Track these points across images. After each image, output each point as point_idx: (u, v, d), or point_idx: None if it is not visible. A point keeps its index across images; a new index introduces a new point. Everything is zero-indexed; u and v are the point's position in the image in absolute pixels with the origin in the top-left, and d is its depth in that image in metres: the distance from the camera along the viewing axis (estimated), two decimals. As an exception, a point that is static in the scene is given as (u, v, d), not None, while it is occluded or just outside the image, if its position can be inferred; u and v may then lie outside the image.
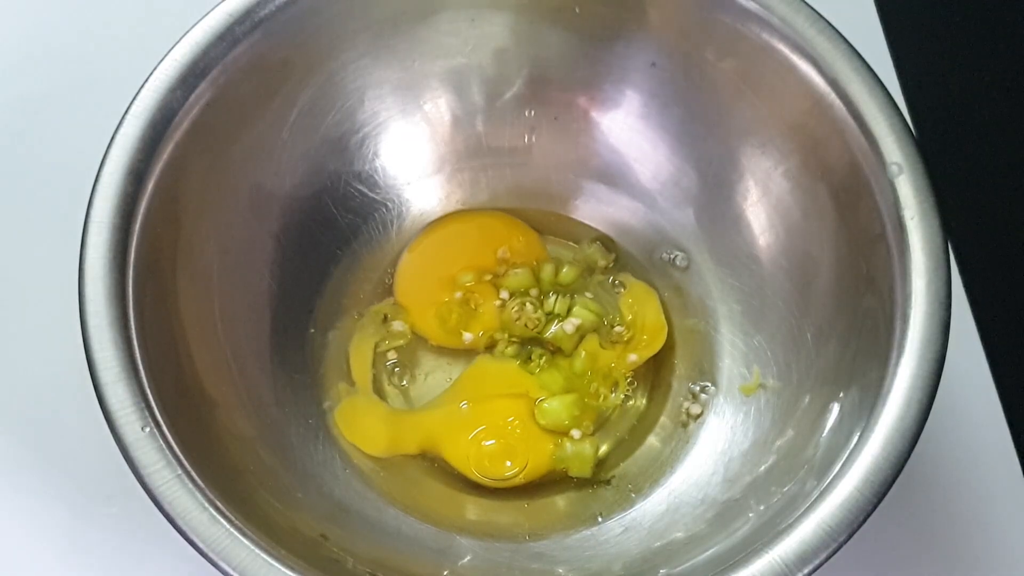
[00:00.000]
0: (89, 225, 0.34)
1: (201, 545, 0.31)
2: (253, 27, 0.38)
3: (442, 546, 0.39)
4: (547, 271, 0.46)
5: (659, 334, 0.45)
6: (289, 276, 0.43)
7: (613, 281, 0.46)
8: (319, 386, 0.43)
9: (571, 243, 0.47)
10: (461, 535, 0.40)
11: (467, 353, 0.45)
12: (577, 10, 0.41)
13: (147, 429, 0.32)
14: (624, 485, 0.42)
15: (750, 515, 0.35)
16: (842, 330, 0.38)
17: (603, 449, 0.43)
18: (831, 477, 0.32)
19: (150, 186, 0.35)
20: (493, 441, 0.42)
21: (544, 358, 0.44)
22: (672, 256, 0.46)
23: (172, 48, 0.37)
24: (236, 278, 0.41)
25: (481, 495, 0.42)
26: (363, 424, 0.43)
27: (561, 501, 0.42)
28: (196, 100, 0.37)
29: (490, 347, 0.45)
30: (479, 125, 0.46)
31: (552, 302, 0.45)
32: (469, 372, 0.44)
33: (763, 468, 0.38)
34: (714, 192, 0.44)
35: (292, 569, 0.31)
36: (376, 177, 0.45)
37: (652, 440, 0.43)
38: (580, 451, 0.42)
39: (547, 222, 0.47)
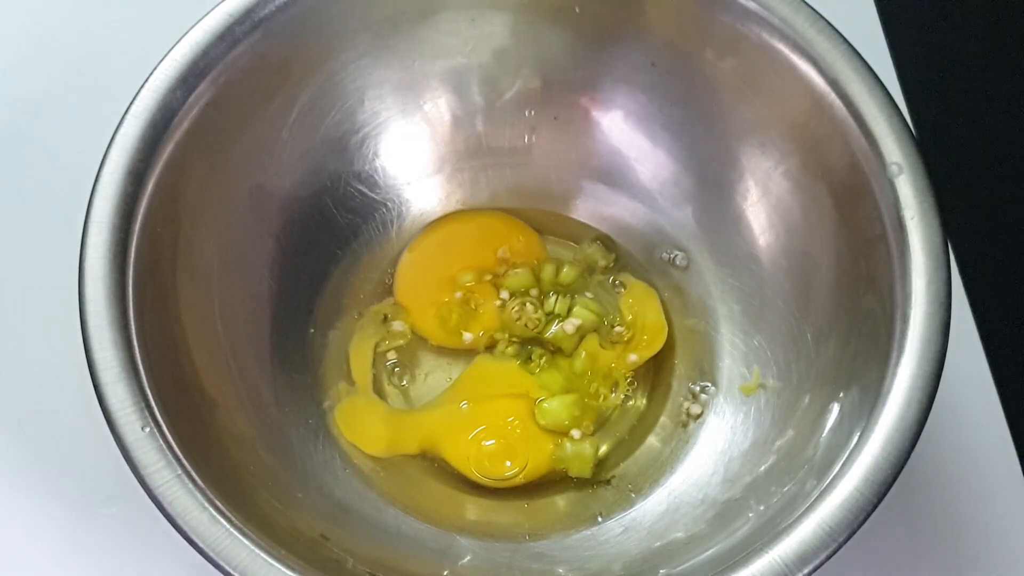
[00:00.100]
0: (89, 225, 0.34)
1: (201, 545, 0.31)
2: (253, 27, 0.38)
3: (442, 546, 0.39)
4: (547, 271, 0.46)
5: (659, 334, 0.45)
6: (289, 276, 0.43)
7: (613, 281, 0.46)
8: (319, 386, 0.43)
9: (571, 243, 0.47)
10: (461, 535, 0.40)
11: (467, 353, 0.45)
12: (577, 10, 0.41)
13: (147, 429, 0.32)
14: (624, 485, 0.42)
15: (750, 515, 0.35)
16: (842, 330, 0.38)
17: (603, 449, 0.43)
18: (831, 477, 0.32)
19: (150, 186, 0.35)
20: (493, 441, 0.42)
21: (544, 358, 0.44)
22: (672, 256, 0.46)
23: (172, 48, 0.37)
24: (236, 278, 0.41)
25: (481, 495, 0.42)
26: (363, 424, 0.43)
27: (561, 501, 0.42)
28: (196, 100, 0.37)
29: (490, 347, 0.45)
30: (479, 125, 0.46)
31: (552, 302, 0.45)
32: (469, 372, 0.44)
33: (763, 468, 0.38)
34: (714, 192, 0.44)
35: (292, 569, 0.31)
36: (376, 177, 0.45)
37: (652, 440, 0.43)
38: (580, 451, 0.42)
39: (547, 222, 0.47)
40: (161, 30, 0.38)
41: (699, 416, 0.43)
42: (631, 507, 0.41)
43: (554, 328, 0.44)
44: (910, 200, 0.35)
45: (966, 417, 0.45)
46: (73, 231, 0.35)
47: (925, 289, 0.33)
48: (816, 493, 0.32)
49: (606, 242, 0.46)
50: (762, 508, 0.35)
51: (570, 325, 0.44)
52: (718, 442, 0.42)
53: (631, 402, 0.44)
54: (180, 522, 0.31)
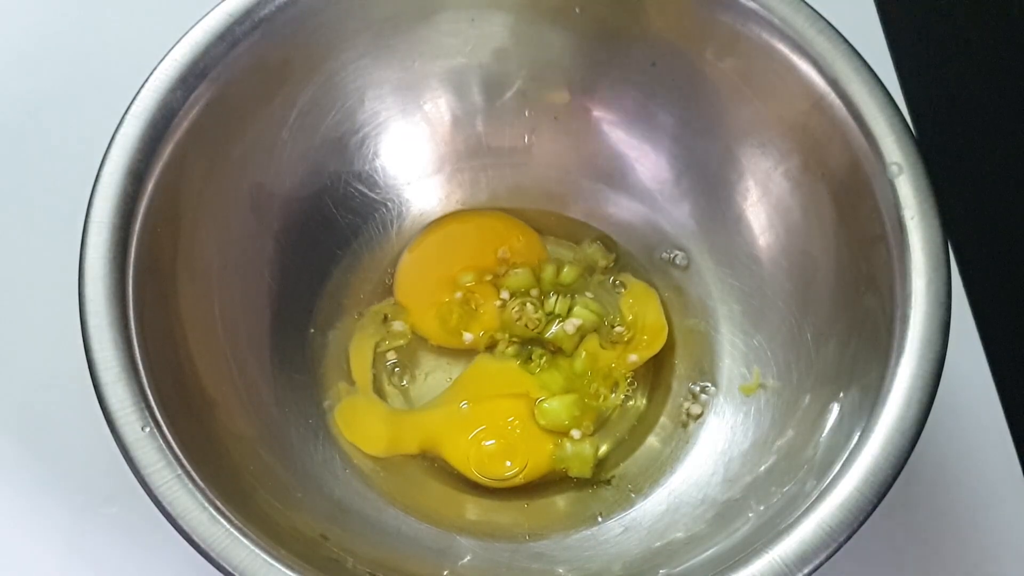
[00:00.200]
0: (89, 225, 0.34)
1: (201, 545, 0.31)
2: (253, 27, 0.38)
3: (442, 546, 0.39)
4: (548, 271, 0.46)
5: (659, 334, 0.45)
6: (289, 276, 0.43)
7: (613, 281, 0.46)
8: (319, 386, 0.43)
9: (571, 243, 0.47)
10: (461, 535, 0.40)
11: (467, 353, 0.45)
12: (577, 10, 0.41)
13: (147, 429, 0.32)
14: (624, 485, 0.42)
15: (750, 515, 0.35)
16: (842, 330, 0.38)
17: (603, 449, 0.43)
18: (831, 477, 0.32)
19: (150, 186, 0.35)
20: (493, 441, 0.42)
21: (544, 358, 0.44)
22: (672, 256, 0.46)
23: (172, 48, 0.37)
24: (236, 278, 0.41)
25: (481, 495, 0.42)
26: (363, 424, 0.43)
27: (561, 501, 0.42)
28: (196, 100, 0.37)
29: (490, 347, 0.45)
30: (479, 125, 0.46)
31: (553, 302, 0.45)
32: (469, 372, 0.44)
33: (763, 468, 0.38)
34: (714, 192, 0.44)
35: (292, 569, 0.31)
36: (376, 177, 0.45)
37: (652, 440, 0.43)
38: (580, 451, 0.42)
39: (547, 222, 0.47)
40: (161, 30, 0.38)
41: (699, 416, 0.43)
42: (631, 507, 0.41)
43: (554, 328, 0.44)
44: (910, 200, 0.35)
45: (966, 417, 0.45)
46: (73, 231, 0.35)
47: (925, 289, 0.33)
48: (816, 493, 0.32)
49: (606, 242, 0.46)
50: (762, 508, 0.35)
51: (570, 325, 0.44)
52: (718, 442, 0.42)
53: (631, 402, 0.44)
54: (180, 522, 0.31)
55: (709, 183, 0.44)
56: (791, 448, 0.38)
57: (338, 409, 0.43)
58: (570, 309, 0.45)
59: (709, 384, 0.43)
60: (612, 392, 0.44)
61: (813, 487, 0.33)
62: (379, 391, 0.44)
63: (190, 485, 0.31)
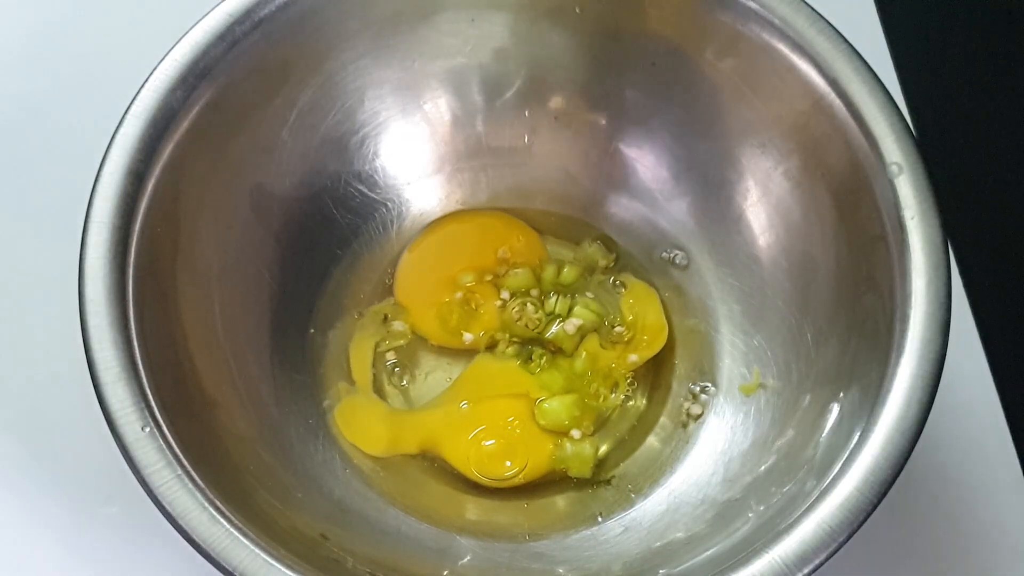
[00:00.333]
0: (89, 225, 0.34)
1: (201, 545, 0.31)
2: (253, 27, 0.38)
3: (442, 546, 0.39)
4: (548, 271, 0.46)
5: (659, 334, 0.45)
6: (289, 276, 0.43)
7: (613, 281, 0.46)
8: (319, 386, 0.43)
9: (571, 243, 0.47)
10: (461, 535, 0.40)
11: (467, 353, 0.45)
12: (577, 10, 0.41)
13: (147, 429, 0.32)
14: (624, 485, 0.42)
15: (750, 515, 0.35)
16: (842, 330, 0.38)
17: (603, 449, 0.43)
18: (831, 477, 0.32)
19: (150, 186, 0.35)
20: (493, 441, 0.42)
21: (544, 358, 0.44)
22: (672, 256, 0.46)
23: (172, 48, 0.37)
24: (236, 278, 0.41)
25: (481, 495, 0.42)
26: (363, 424, 0.43)
27: (561, 501, 0.42)
28: (196, 100, 0.37)
29: (491, 347, 0.45)
30: (479, 125, 0.46)
31: (553, 302, 0.45)
32: (469, 372, 0.44)
33: (763, 468, 0.38)
34: (714, 192, 0.44)
35: (292, 569, 0.31)
36: (376, 177, 0.45)
37: (652, 440, 0.43)
38: (580, 451, 0.42)
39: (547, 222, 0.47)
40: (161, 30, 0.38)
41: (699, 416, 0.43)
42: (631, 507, 0.41)
43: (554, 328, 0.44)
44: (910, 200, 0.35)
45: (966, 417, 0.45)
46: (73, 231, 0.35)
47: (925, 289, 0.33)
48: (816, 493, 0.32)
49: (606, 242, 0.46)
50: (762, 508, 0.35)
51: (570, 325, 0.44)
52: (718, 442, 0.42)
53: (631, 402, 0.44)
54: (180, 522, 0.31)
55: (709, 183, 0.44)
56: (791, 448, 0.38)
57: (338, 409, 0.43)
58: (570, 309, 0.45)
59: (709, 384, 0.43)
60: (612, 392, 0.44)
61: (813, 487, 0.33)
62: (379, 391, 0.44)
63: (190, 485, 0.31)
